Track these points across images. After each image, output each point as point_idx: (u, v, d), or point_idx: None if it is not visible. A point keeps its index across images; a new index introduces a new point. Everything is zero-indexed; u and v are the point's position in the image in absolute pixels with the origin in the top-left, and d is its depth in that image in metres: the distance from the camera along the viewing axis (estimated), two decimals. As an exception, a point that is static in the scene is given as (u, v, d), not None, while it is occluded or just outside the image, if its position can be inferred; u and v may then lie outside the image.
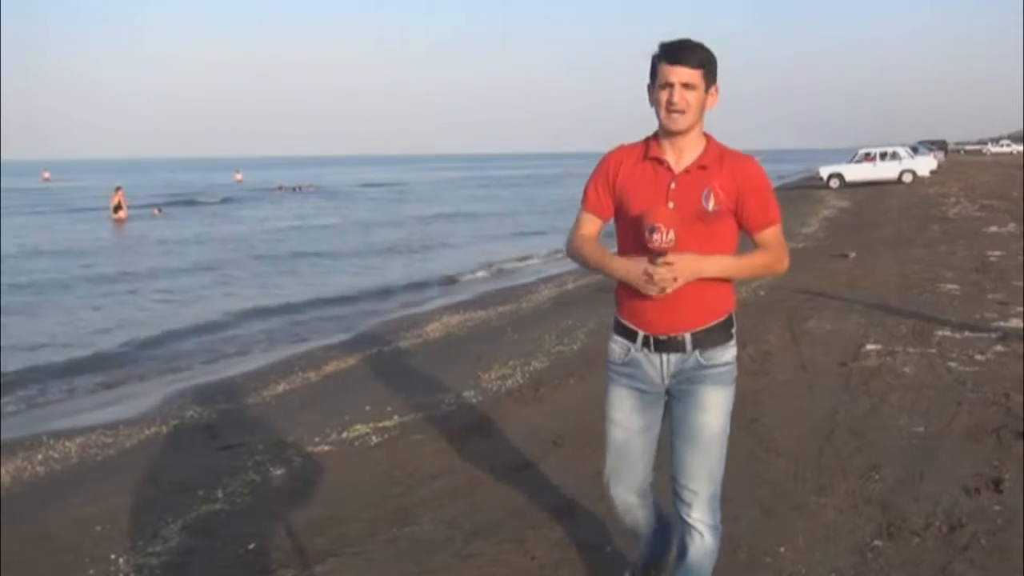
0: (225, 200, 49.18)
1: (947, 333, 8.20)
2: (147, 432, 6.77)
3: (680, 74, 2.83)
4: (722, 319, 3.02)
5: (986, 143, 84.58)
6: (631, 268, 2.94)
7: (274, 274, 19.14)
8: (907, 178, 38.34)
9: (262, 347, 11.16)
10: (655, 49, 2.90)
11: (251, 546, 4.33)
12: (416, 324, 11.08)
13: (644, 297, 2.94)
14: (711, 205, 2.88)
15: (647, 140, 3.02)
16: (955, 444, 5.25)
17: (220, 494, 5.08)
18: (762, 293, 11.16)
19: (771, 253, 3.02)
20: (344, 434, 6.16)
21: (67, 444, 6.57)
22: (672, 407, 3.09)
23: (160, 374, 9.81)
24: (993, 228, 18.27)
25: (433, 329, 10.56)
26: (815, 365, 7.30)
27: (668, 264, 2.81)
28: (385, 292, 15.96)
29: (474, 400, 6.91)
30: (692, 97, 2.85)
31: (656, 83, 2.89)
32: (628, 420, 3.14)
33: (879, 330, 8.48)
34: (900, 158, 39.34)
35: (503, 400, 6.86)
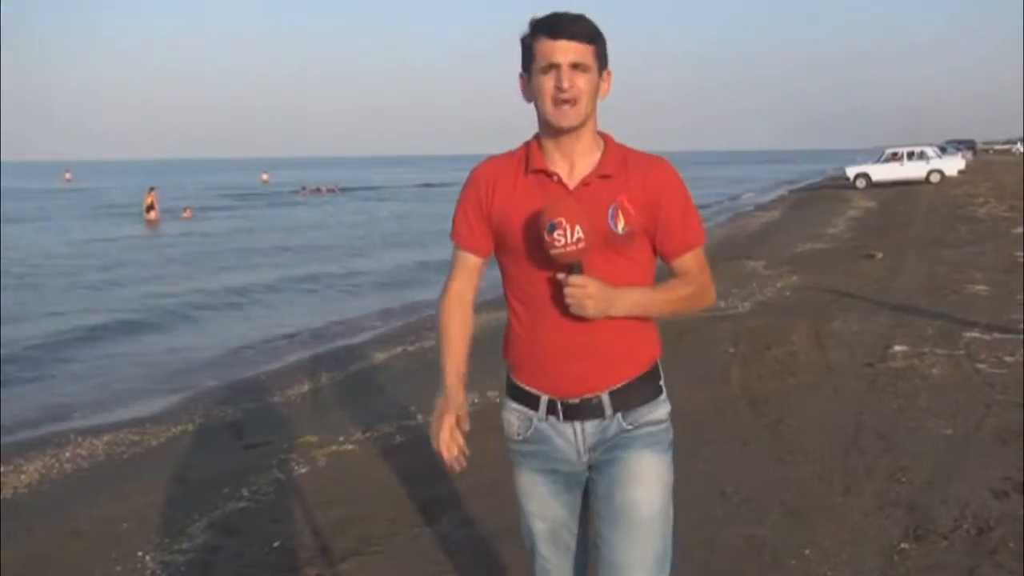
0: (277, 202, 49.03)
1: (975, 335, 8.12)
2: (173, 431, 6.83)
3: (567, 50, 2.18)
4: (647, 370, 2.36)
5: (1015, 143, 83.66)
6: (441, 412, 2.32)
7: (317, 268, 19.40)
8: (935, 178, 37.97)
9: (288, 345, 11.23)
10: (525, 29, 2.25)
11: (276, 544, 4.36)
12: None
13: (544, 350, 2.31)
14: (620, 226, 2.23)
15: (526, 147, 2.35)
16: (983, 446, 5.19)
17: (245, 492, 5.11)
18: (787, 294, 11.10)
19: (694, 283, 2.34)
20: (368, 433, 6.19)
21: (95, 442, 6.63)
22: (594, 483, 2.37)
23: (185, 373, 9.89)
24: (1022, 229, 18.07)
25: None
26: (841, 366, 7.25)
27: (582, 280, 2.18)
28: (418, 287, 15.92)
29: (498, 399, 6.90)
30: (584, 81, 2.20)
31: (534, 67, 2.23)
32: (548, 510, 2.44)
33: (906, 331, 8.40)
34: (928, 158, 38.97)
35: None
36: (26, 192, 63.95)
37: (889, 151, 40.00)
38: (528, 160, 2.31)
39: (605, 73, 2.28)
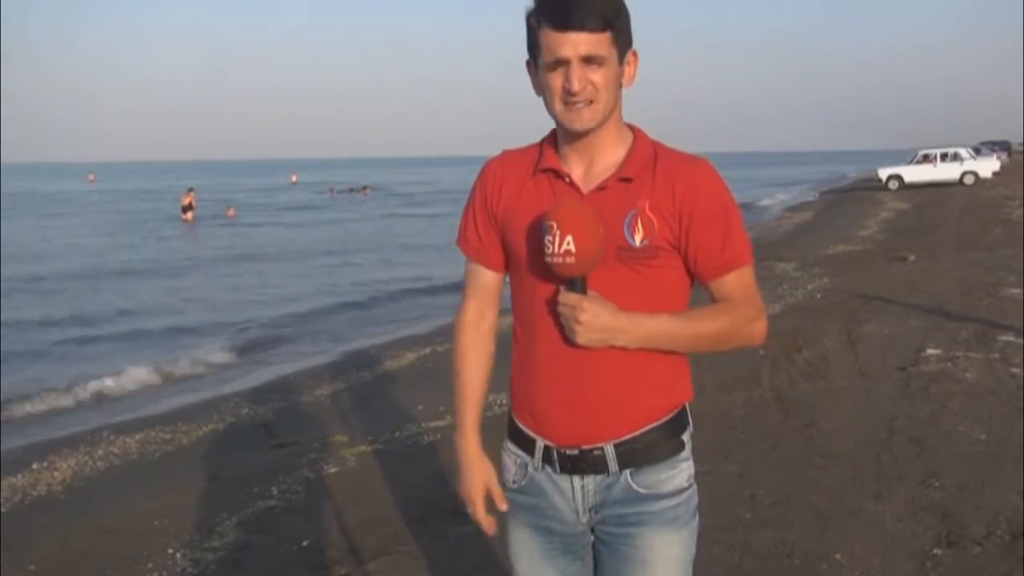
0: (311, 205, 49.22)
1: (1010, 338, 8.01)
2: (204, 429, 6.89)
3: (576, 43, 1.79)
4: (665, 418, 1.93)
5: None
6: (468, 491, 2.08)
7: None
8: (968, 180, 37.51)
9: (318, 345, 11.31)
10: (529, 4, 1.87)
11: (305, 543, 4.38)
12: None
13: (538, 386, 1.95)
14: (637, 238, 1.85)
15: (541, 143, 2.00)
16: (1017, 452, 5.12)
17: (275, 491, 5.15)
18: (818, 296, 11.01)
19: (734, 313, 1.91)
20: (396, 433, 6.21)
21: (127, 440, 6.70)
22: (601, 557, 2.02)
23: (218, 371, 9.98)
24: (1059, 231, 17.82)
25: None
26: (873, 369, 7.18)
27: (574, 299, 1.83)
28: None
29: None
30: (600, 77, 1.82)
31: (540, 61, 1.86)
32: (535, 573, 2.06)
33: (939, 334, 8.31)
34: (961, 159, 38.52)
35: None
36: (59, 194, 64.77)
37: (922, 152, 39.59)
38: (540, 158, 1.97)
39: (629, 56, 1.89)
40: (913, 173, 38.35)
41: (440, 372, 8.30)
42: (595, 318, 1.82)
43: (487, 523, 2.07)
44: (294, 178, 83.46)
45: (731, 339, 1.93)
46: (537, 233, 1.87)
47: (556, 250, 1.79)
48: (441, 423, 6.37)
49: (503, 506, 2.06)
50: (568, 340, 1.87)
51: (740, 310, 1.91)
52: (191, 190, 37.85)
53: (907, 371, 7.04)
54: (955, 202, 27.66)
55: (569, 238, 1.77)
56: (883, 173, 39.30)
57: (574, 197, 1.90)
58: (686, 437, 1.97)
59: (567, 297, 1.84)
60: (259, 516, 4.81)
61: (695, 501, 2.01)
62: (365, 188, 62.14)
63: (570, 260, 1.79)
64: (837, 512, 4.39)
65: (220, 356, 10.84)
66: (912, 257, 14.37)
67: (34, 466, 6.12)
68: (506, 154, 2.05)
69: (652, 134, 2.01)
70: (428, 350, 9.58)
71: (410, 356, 9.31)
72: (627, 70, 1.90)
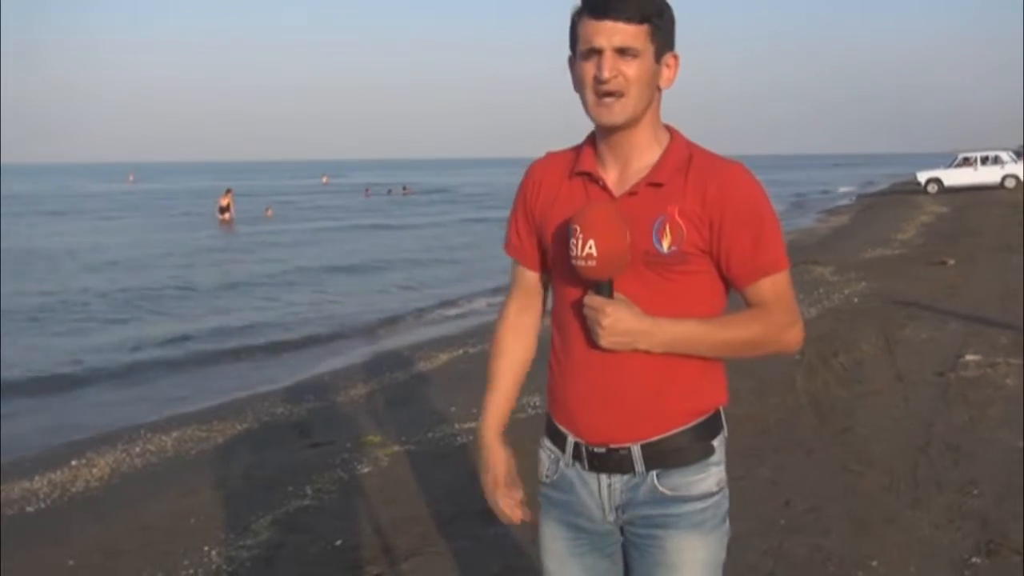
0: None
1: (1052, 344, 7.88)
2: (239, 428, 6.95)
3: (612, 32, 1.80)
4: (696, 421, 1.94)
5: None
6: (487, 482, 2.14)
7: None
8: (1010, 183, 36.96)
9: (352, 345, 11.39)
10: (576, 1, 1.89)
11: (338, 542, 4.41)
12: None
13: (569, 385, 1.98)
14: (666, 244, 1.86)
15: (583, 144, 2.02)
16: (1060, 460, 5.04)
17: (309, 491, 5.18)
18: (855, 300, 10.90)
19: (767, 320, 1.90)
20: (430, 434, 6.22)
21: (163, 438, 6.78)
22: (630, 558, 2.02)
23: (251, 371, 10.07)
24: (1102, 236, 17.52)
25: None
26: (911, 375, 7.09)
27: (599, 302, 1.86)
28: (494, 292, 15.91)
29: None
30: (633, 69, 1.82)
31: (577, 51, 1.88)
32: (563, 570, 2.07)
33: (979, 340, 8.19)
34: (1002, 162, 37.99)
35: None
36: (107, 194, 65.72)
37: (962, 155, 39.11)
38: (576, 160, 1.99)
39: (669, 57, 1.90)
40: (952, 176, 37.90)
41: (474, 373, 8.31)
42: (617, 322, 1.84)
43: (508, 509, 2.10)
44: (325, 179, 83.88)
45: (763, 346, 1.93)
46: (565, 236, 1.89)
47: (579, 253, 1.82)
48: (474, 424, 6.33)
49: (518, 495, 2.10)
50: (594, 343, 1.89)
51: (774, 317, 1.90)
52: (229, 191, 37.77)
53: (946, 377, 6.95)
54: (996, 206, 27.30)
55: (592, 242, 1.80)
56: (922, 176, 38.87)
57: (604, 201, 1.91)
58: (717, 442, 1.97)
59: (591, 300, 1.87)
60: (293, 515, 4.84)
61: (725, 506, 2.00)
62: (405, 188, 61.34)
63: (592, 263, 1.81)
64: (873, 519, 4.34)
65: (257, 355, 10.96)
66: (951, 261, 14.18)
67: (73, 462, 6.21)
68: (549, 156, 2.07)
69: (697, 135, 2.00)
70: (461, 351, 9.60)
71: (443, 357, 9.34)
72: (665, 72, 1.90)
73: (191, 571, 4.21)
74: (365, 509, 4.84)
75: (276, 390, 8.52)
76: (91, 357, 11.09)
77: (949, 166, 38.94)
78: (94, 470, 6.03)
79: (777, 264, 1.90)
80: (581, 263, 1.82)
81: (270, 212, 38.06)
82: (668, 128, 1.97)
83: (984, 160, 38.28)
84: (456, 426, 6.37)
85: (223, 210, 35.89)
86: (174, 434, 6.88)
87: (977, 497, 4.53)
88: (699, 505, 1.94)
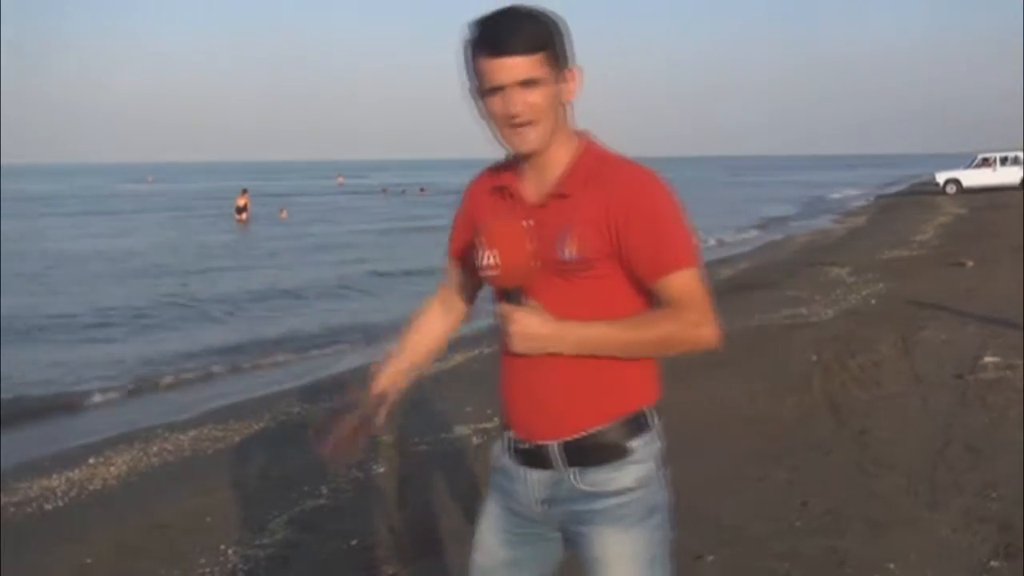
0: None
1: (1072, 346, 7.82)
2: (255, 427, 6.97)
3: (510, 68, 1.86)
4: (614, 422, 1.99)
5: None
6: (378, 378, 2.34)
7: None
8: (1030, 183, 36.74)
9: (368, 345, 11.41)
10: (465, 31, 1.93)
11: (353, 542, 4.42)
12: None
13: (503, 385, 2.10)
14: (568, 252, 1.92)
15: (507, 159, 2.08)
16: (1079, 463, 5.00)
17: (324, 490, 5.19)
18: (873, 302, 10.85)
19: (678, 315, 1.92)
20: (444, 435, 6.23)
21: (180, 437, 6.81)
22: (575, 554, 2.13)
23: (267, 371, 10.11)
24: (1124, 237, 17.36)
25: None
26: (929, 377, 7.05)
27: (507, 309, 1.96)
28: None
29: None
30: (538, 97, 1.89)
31: (479, 87, 1.94)
32: (489, 543, 2.21)
33: (998, 342, 8.12)
34: (1022, 163, 37.73)
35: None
36: (133, 194, 66.15)
37: (981, 156, 38.85)
38: (497, 174, 2.09)
39: (567, 72, 1.95)
40: (972, 177, 37.66)
41: (489, 374, 8.30)
42: (525, 328, 1.93)
43: (335, 431, 2.29)
44: (340, 180, 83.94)
45: (676, 344, 1.96)
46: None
47: (484, 263, 1.92)
48: (489, 425, 6.37)
49: (351, 431, 2.32)
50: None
51: (684, 315, 1.93)
52: (245, 191, 38.04)
53: (964, 379, 6.90)
54: (1015, 207, 27.09)
55: (494, 252, 1.90)
56: (940, 177, 38.66)
57: (509, 214, 2.00)
58: (638, 442, 2.00)
59: (501, 307, 1.97)
60: (308, 515, 4.86)
61: (652, 502, 2.03)
62: (422, 189, 61.61)
63: (496, 272, 1.91)
64: (891, 521, 4.32)
65: (272, 354, 10.99)
66: (970, 263, 14.10)
67: (91, 460, 6.25)
68: (485, 170, 2.17)
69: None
70: (476, 351, 9.59)
71: (458, 358, 9.34)
72: (567, 87, 1.96)
73: (207, 569, 4.23)
74: (380, 509, 4.85)
75: (293, 390, 8.55)
76: (112, 359, 11.16)
77: (968, 166, 38.70)
78: (111, 468, 6.07)
79: (681, 262, 1.93)
80: (487, 273, 1.93)
81: (284, 213, 38.12)
82: (582, 136, 2.04)
83: (1004, 161, 38.01)
84: (471, 426, 6.38)
85: (240, 210, 36.20)
86: (191, 433, 6.91)
87: (996, 500, 4.50)
88: (615, 501, 1.99)
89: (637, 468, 2.00)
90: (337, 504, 5.00)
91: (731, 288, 13.28)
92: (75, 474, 5.96)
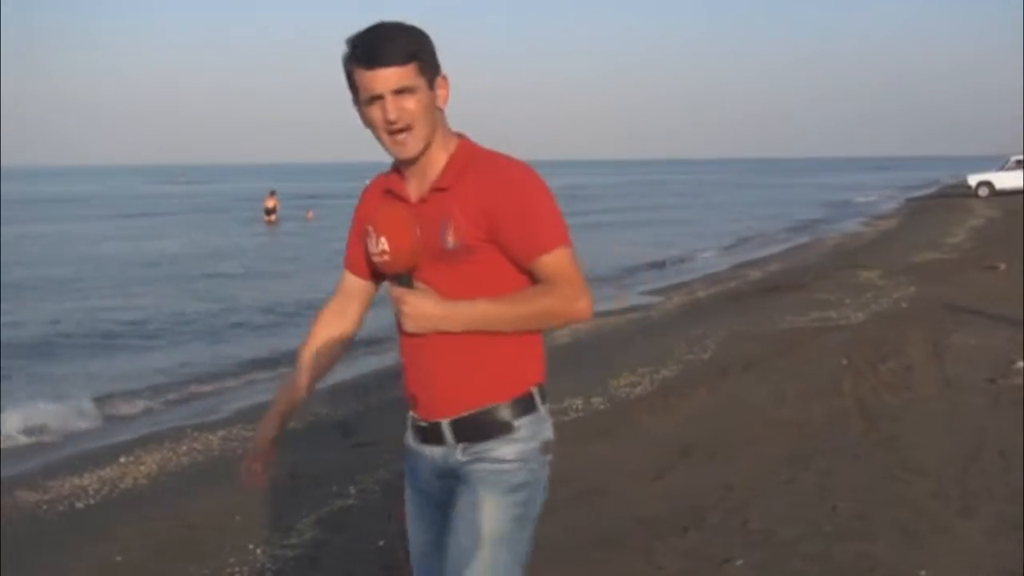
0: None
1: (1107, 351, 7.70)
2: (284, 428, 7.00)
3: (385, 79, 2.04)
4: (501, 402, 2.15)
5: None
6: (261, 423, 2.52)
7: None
8: (1064, 186, 36.24)
9: (391, 346, 11.42)
10: (344, 48, 2.12)
11: (381, 543, 4.43)
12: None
13: (406, 365, 2.25)
14: (450, 241, 2.09)
15: (393, 167, 2.26)
16: (1115, 469, 4.92)
17: (352, 490, 5.21)
18: (904, 305, 10.75)
19: (555, 291, 2.08)
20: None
21: (210, 437, 6.86)
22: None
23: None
24: None
25: (561, 335, 10.57)
26: (960, 381, 6.97)
27: (398, 292, 2.14)
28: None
29: (602, 407, 6.88)
30: (413, 103, 2.06)
31: (359, 98, 2.11)
32: (414, 530, 2.34)
33: (1032, 346, 8.03)
34: (1056, 165, 37.22)
35: (631, 407, 6.81)
36: (168, 195, 66.77)
37: (1014, 158, 38.34)
38: (388, 178, 2.26)
39: (439, 80, 2.13)
40: (1004, 179, 37.18)
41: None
42: (416, 308, 2.11)
43: (244, 471, 2.46)
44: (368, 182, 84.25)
45: (556, 316, 2.13)
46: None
47: (375, 250, 2.13)
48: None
49: (258, 465, 2.50)
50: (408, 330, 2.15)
51: (559, 290, 2.09)
52: (273, 192, 38.29)
53: (996, 383, 6.82)
54: (1049, 210, 26.75)
55: (383, 239, 2.11)
56: (973, 179, 38.22)
57: (394, 203, 2.19)
58: (523, 421, 2.16)
59: (393, 291, 2.15)
60: (336, 515, 4.88)
61: (523, 477, 2.16)
62: None
63: (386, 258, 2.12)
64: (922, 527, 4.27)
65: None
66: (1003, 266, 13.94)
67: (121, 459, 6.31)
68: (377, 177, 2.33)
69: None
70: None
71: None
72: (439, 93, 2.14)
73: (236, 568, 4.26)
74: (408, 510, 4.86)
75: (319, 391, 8.49)
76: (145, 363, 11.27)
77: (1001, 169, 38.24)
78: (142, 467, 6.12)
79: (553, 242, 2.09)
80: (378, 259, 2.13)
81: (311, 215, 38.33)
82: (458, 136, 2.21)
83: (1037, 163, 37.52)
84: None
85: (269, 212, 36.47)
86: (220, 433, 6.95)
87: (1029, 506, 4.44)
88: (490, 466, 2.14)
89: (519, 445, 2.15)
90: (365, 504, 5.02)
91: (760, 290, 13.23)
92: (106, 473, 6.01)
